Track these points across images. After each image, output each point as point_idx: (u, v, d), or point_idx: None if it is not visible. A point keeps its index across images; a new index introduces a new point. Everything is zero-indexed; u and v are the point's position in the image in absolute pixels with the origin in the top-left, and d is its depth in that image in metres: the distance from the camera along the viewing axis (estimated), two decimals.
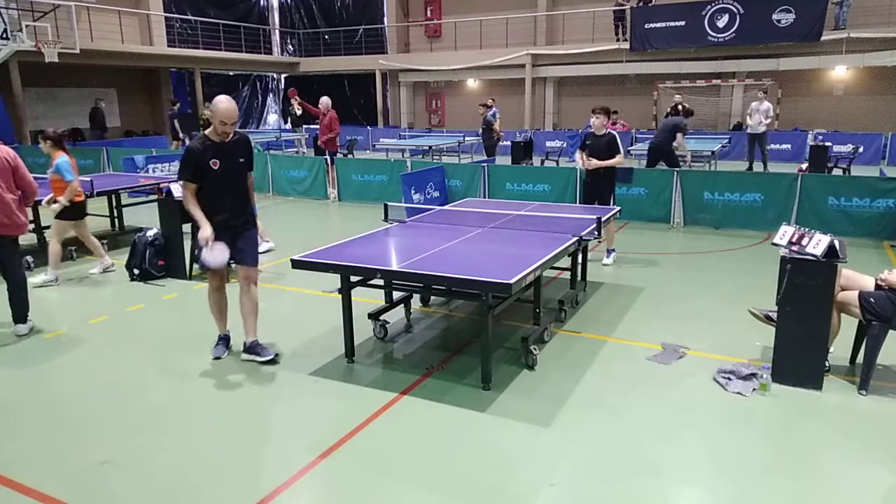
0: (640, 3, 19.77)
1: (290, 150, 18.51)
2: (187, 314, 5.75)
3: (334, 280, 4.52)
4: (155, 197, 7.82)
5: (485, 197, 9.96)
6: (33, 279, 6.22)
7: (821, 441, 3.53)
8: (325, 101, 12.07)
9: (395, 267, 4.13)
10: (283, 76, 28.30)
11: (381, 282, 4.66)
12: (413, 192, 9.56)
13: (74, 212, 6.58)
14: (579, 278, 5.88)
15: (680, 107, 15.32)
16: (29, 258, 7.12)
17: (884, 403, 3.90)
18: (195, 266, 6.81)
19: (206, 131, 4.33)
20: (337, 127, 12.17)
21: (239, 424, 3.74)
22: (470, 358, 4.59)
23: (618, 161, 6.81)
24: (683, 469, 3.27)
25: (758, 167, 13.85)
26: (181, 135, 15.88)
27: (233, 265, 4.56)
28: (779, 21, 17.46)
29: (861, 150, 14.29)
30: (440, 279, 3.91)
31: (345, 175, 11.53)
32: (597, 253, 7.35)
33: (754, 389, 4.03)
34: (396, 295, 5.21)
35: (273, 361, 4.52)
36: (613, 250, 7.21)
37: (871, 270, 4.32)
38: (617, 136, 6.84)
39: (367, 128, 22.89)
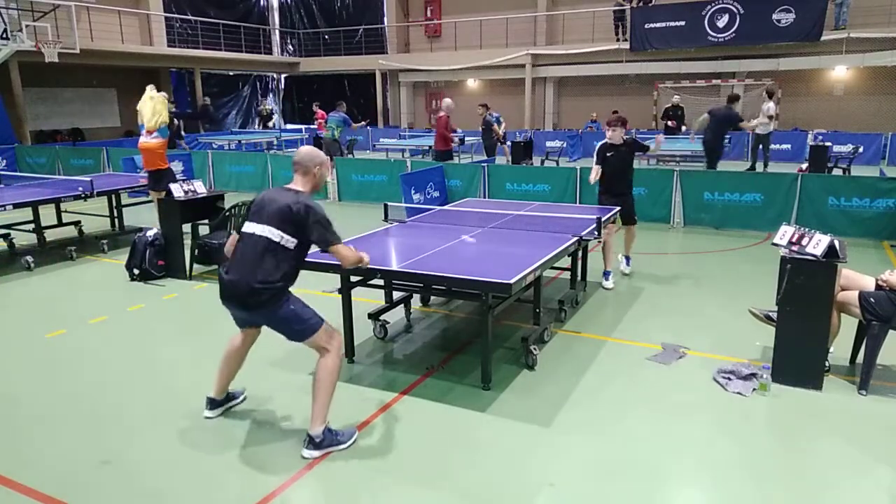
0: (640, 3, 19.77)
1: (290, 149, 18.50)
2: (187, 314, 5.75)
3: (334, 280, 4.52)
4: None
5: (485, 197, 9.96)
6: None
7: (821, 441, 3.53)
8: (447, 101, 11.68)
9: (395, 267, 4.13)
10: (283, 76, 28.32)
11: (381, 282, 4.66)
12: (413, 192, 9.56)
13: None
14: (579, 278, 5.88)
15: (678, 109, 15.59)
16: (29, 258, 7.12)
17: (884, 403, 3.90)
18: (195, 266, 6.82)
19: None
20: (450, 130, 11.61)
21: (239, 424, 3.74)
22: (470, 358, 4.59)
23: (657, 140, 6.72)
24: (683, 469, 3.27)
25: (757, 167, 13.85)
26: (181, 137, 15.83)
27: None
28: (779, 21, 17.47)
29: (861, 150, 14.28)
30: (440, 279, 3.92)
31: (345, 175, 11.53)
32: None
33: (754, 389, 4.03)
34: (396, 295, 5.20)
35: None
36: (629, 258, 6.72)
37: (871, 270, 4.32)
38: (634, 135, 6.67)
39: (367, 128, 22.86)
